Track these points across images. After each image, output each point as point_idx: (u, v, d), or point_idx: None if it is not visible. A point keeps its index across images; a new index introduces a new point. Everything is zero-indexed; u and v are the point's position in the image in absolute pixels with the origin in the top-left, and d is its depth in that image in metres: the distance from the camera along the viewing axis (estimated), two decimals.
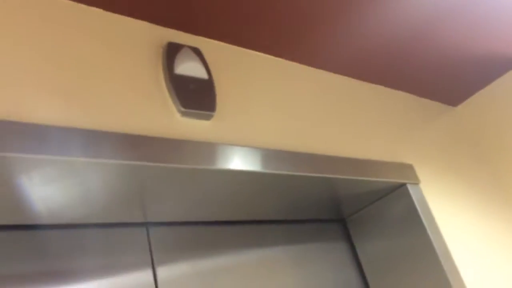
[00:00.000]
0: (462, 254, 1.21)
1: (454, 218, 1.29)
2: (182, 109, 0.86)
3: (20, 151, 0.63)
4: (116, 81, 0.82)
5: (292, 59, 1.20)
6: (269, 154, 0.94)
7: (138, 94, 0.84)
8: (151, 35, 0.93)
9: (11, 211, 0.76)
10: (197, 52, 0.96)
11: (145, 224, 0.96)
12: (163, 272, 0.93)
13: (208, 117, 0.90)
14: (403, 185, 1.21)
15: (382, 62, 1.34)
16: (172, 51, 0.92)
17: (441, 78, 1.52)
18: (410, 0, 1.11)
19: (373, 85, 1.43)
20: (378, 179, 1.13)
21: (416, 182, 1.23)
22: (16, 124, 0.65)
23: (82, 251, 0.86)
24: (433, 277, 1.13)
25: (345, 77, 1.35)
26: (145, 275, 0.90)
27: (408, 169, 1.25)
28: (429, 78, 1.50)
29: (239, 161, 0.88)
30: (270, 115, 1.04)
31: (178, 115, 0.87)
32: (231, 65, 1.04)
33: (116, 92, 0.81)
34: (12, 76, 0.70)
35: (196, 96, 0.90)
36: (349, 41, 1.20)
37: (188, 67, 0.91)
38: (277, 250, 1.16)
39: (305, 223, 1.28)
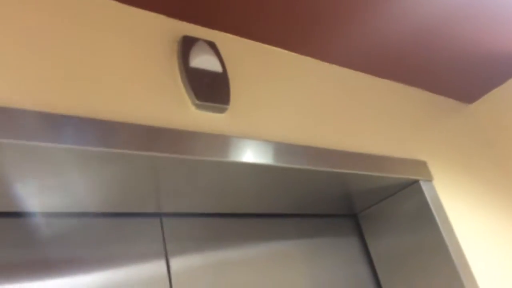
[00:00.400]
0: (474, 251, 1.20)
1: (466, 215, 1.28)
2: (197, 101, 0.87)
3: (36, 140, 0.64)
4: (132, 73, 0.83)
5: (307, 53, 1.20)
6: (282, 148, 0.95)
7: (154, 87, 0.84)
8: (166, 28, 0.94)
9: (36, 198, 0.77)
10: (212, 46, 0.97)
11: (159, 215, 0.97)
12: (176, 262, 0.94)
13: (222, 110, 0.91)
14: (416, 181, 1.21)
15: (396, 58, 1.33)
16: (187, 45, 0.93)
17: (456, 75, 1.51)
18: None
19: (388, 81, 1.42)
20: (391, 175, 1.13)
21: (429, 179, 1.23)
22: (32, 113, 0.66)
23: (97, 241, 0.87)
24: (445, 274, 1.12)
25: (360, 73, 1.34)
26: (159, 266, 0.91)
27: (421, 165, 1.24)
28: (444, 75, 1.49)
29: (252, 154, 0.89)
30: (284, 109, 1.04)
31: (192, 108, 0.88)
32: (245, 58, 1.05)
33: (132, 84, 0.82)
34: (31, 66, 0.71)
35: (211, 89, 0.90)
36: (364, 37, 1.20)
37: (203, 61, 0.92)
38: (289, 244, 1.16)
39: (317, 218, 1.28)
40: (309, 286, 1.13)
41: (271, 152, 0.92)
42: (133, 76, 0.83)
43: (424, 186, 1.20)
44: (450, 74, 1.49)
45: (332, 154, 1.04)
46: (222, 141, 0.86)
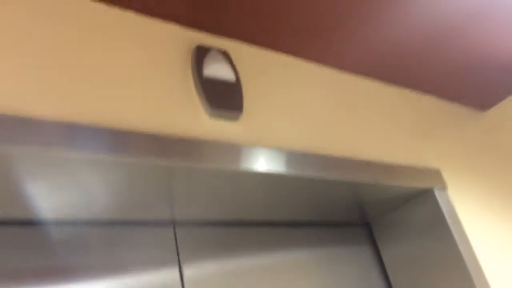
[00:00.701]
0: (489, 260, 1.19)
1: (481, 224, 1.26)
2: (211, 110, 0.88)
3: (51, 148, 0.65)
4: (147, 82, 0.84)
5: (320, 62, 1.21)
6: (294, 156, 0.95)
7: (168, 96, 0.85)
8: (180, 38, 0.95)
9: (51, 206, 0.78)
10: (225, 55, 0.98)
11: (172, 223, 0.98)
12: (189, 270, 0.94)
13: (235, 119, 0.92)
14: (430, 190, 1.20)
15: (409, 65, 1.33)
16: (201, 54, 0.94)
17: (471, 82, 1.50)
18: (439, 1, 1.10)
19: (401, 89, 1.42)
20: (404, 184, 1.12)
21: (444, 187, 1.22)
22: (48, 122, 0.67)
23: (110, 248, 0.88)
24: (459, 284, 1.11)
25: (372, 80, 1.34)
26: (172, 273, 0.92)
27: (435, 174, 1.23)
28: (458, 82, 1.48)
29: (265, 162, 0.89)
30: (296, 117, 1.04)
31: (206, 116, 0.88)
32: (258, 67, 1.06)
33: (147, 93, 0.83)
34: (47, 76, 0.73)
35: (224, 98, 0.91)
36: (377, 44, 1.20)
37: (217, 70, 0.93)
38: (302, 253, 1.16)
39: (330, 226, 1.27)
40: None
41: (283, 160, 0.92)
42: (148, 85, 0.84)
43: (438, 194, 1.19)
44: (464, 81, 1.48)
45: (345, 162, 1.04)
46: (235, 150, 0.86)
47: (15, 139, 0.63)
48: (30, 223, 0.82)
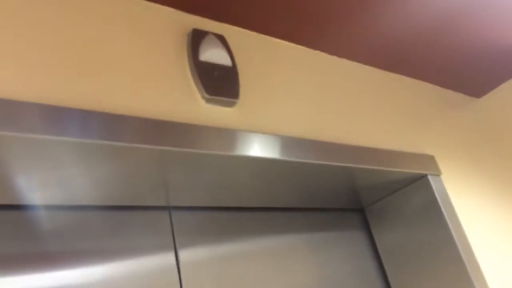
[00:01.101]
0: (482, 246, 1.20)
1: (475, 210, 1.28)
2: (206, 95, 0.87)
3: (42, 133, 0.64)
4: (141, 66, 0.83)
5: (316, 47, 1.20)
6: (290, 142, 0.95)
7: (163, 80, 0.85)
8: (176, 21, 0.94)
9: (45, 192, 0.78)
10: (222, 39, 0.97)
11: (168, 208, 0.98)
12: (185, 255, 0.95)
13: (231, 104, 0.91)
14: (424, 176, 1.20)
15: (405, 52, 1.32)
16: (197, 38, 0.93)
17: (465, 69, 1.50)
18: None
19: (396, 75, 1.41)
20: (399, 170, 1.13)
21: (438, 174, 1.23)
22: (39, 106, 0.66)
23: (106, 234, 0.88)
24: (453, 269, 1.12)
25: (368, 67, 1.34)
26: (168, 258, 0.92)
27: (429, 160, 1.24)
28: (452, 69, 1.48)
29: (260, 148, 0.89)
30: (292, 103, 1.04)
31: (202, 102, 0.88)
32: (255, 52, 1.05)
33: (141, 77, 0.82)
34: (37, 59, 0.71)
35: (220, 83, 0.91)
36: (373, 31, 1.19)
37: (213, 54, 0.92)
38: (296, 238, 1.17)
39: (324, 212, 1.28)
40: (315, 279, 1.13)
41: (279, 146, 0.92)
42: (142, 69, 0.83)
43: (432, 180, 1.19)
44: (459, 68, 1.48)
45: (340, 148, 1.04)
46: (231, 135, 0.86)
47: (5, 124, 0.62)
48: (24, 209, 0.82)
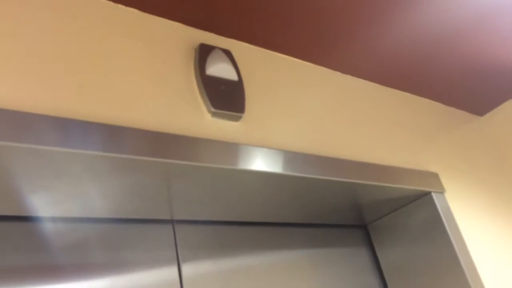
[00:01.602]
0: (486, 264, 1.20)
1: (478, 228, 1.27)
2: (213, 109, 0.87)
3: (48, 144, 0.64)
4: (149, 79, 0.84)
5: (321, 64, 1.21)
6: (294, 157, 0.95)
7: (170, 93, 0.85)
8: (184, 36, 0.95)
9: (50, 203, 0.78)
10: (228, 54, 0.98)
11: (171, 222, 0.98)
12: (188, 269, 0.94)
13: (237, 119, 0.92)
14: (428, 193, 1.20)
15: (409, 69, 1.33)
16: (204, 53, 0.93)
17: (469, 87, 1.51)
18: (438, 8, 1.11)
19: (400, 92, 1.42)
20: (402, 186, 1.13)
21: (441, 191, 1.23)
22: (43, 117, 0.66)
23: (109, 247, 0.88)
24: (456, 287, 1.11)
25: (373, 83, 1.35)
26: (171, 272, 0.92)
27: (433, 177, 1.24)
28: (455, 87, 1.49)
29: (265, 162, 0.89)
30: (297, 118, 1.05)
31: (208, 115, 0.88)
32: (260, 67, 1.06)
33: (149, 90, 0.82)
34: (47, 71, 0.72)
35: (226, 97, 0.91)
36: (378, 48, 1.20)
37: (219, 69, 0.93)
38: (299, 253, 1.16)
39: (327, 228, 1.28)
40: None
41: (283, 160, 0.92)
42: (150, 83, 0.84)
43: (436, 198, 1.19)
44: (462, 86, 1.49)
45: (344, 164, 1.04)
46: (236, 149, 0.86)
47: (13, 134, 0.62)
48: (28, 220, 0.82)
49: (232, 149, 0.86)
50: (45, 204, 0.79)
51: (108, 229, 0.89)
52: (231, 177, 0.87)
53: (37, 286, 0.77)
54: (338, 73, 1.26)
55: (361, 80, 1.32)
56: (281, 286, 1.07)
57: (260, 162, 0.88)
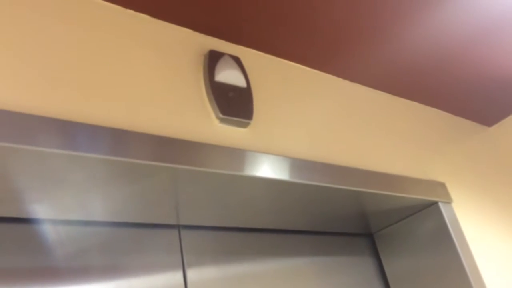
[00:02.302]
0: (492, 275, 1.19)
1: (485, 238, 1.26)
2: (221, 115, 0.88)
3: (48, 147, 0.64)
4: (158, 85, 0.84)
5: (329, 71, 1.21)
6: (301, 164, 0.95)
7: (179, 99, 0.86)
8: (193, 43, 0.95)
9: (56, 207, 0.78)
10: (237, 61, 0.98)
11: (177, 227, 0.98)
12: (193, 274, 0.94)
13: (245, 125, 0.92)
14: (435, 203, 1.20)
15: (417, 79, 1.33)
16: (213, 59, 0.94)
17: (476, 97, 1.50)
18: (448, 18, 1.11)
19: (408, 101, 1.42)
20: (409, 196, 1.12)
21: (449, 201, 1.22)
22: (47, 120, 0.67)
23: (114, 251, 0.88)
24: None
25: (380, 92, 1.35)
26: (176, 277, 0.92)
27: (440, 187, 1.23)
28: (464, 97, 1.48)
29: (272, 169, 0.89)
30: (305, 125, 1.05)
31: (216, 122, 0.89)
32: (268, 74, 1.06)
33: (157, 95, 0.83)
34: (58, 75, 0.73)
35: (235, 103, 0.91)
36: (386, 56, 1.20)
37: (228, 75, 0.93)
38: (304, 261, 1.16)
39: (333, 236, 1.27)
40: None
41: (290, 168, 0.92)
42: (159, 88, 0.84)
43: (443, 208, 1.19)
44: (470, 96, 1.49)
45: (351, 172, 1.04)
46: (243, 155, 0.86)
47: (18, 137, 0.62)
48: (33, 223, 0.82)
49: (239, 155, 0.86)
50: (52, 208, 0.79)
51: (114, 233, 0.89)
52: (238, 184, 0.87)
53: None
54: (347, 82, 1.26)
55: (369, 88, 1.32)
56: None
57: (267, 169, 0.88)
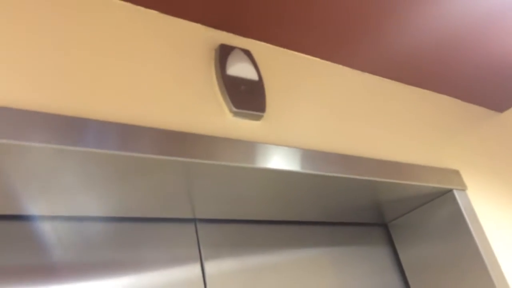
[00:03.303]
0: (509, 261, 1.18)
1: (501, 225, 1.26)
2: (234, 109, 0.88)
3: (67, 144, 0.65)
4: (170, 80, 0.85)
5: (339, 61, 1.21)
6: (315, 155, 0.95)
7: (191, 93, 0.86)
8: (204, 37, 0.96)
9: (77, 203, 0.79)
10: (248, 54, 0.98)
11: (193, 220, 0.99)
12: (211, 267, 0.95)
13: (258, 118, 0.92)
14: (449, 190, 1.19)
15: (428, 66, 1.32)
16: (224, 53, 0.94)
17: (488, 83, 1.49)
18: (459, 3, 1.10)
19: (419, 89, 1.41)
20: (424, 184, 1.12)
21: (463, 188, 1.21)
22: (61, 117, 0.67)
23: (132, 245, 0.89)
24: (479, 284, 1.10)
25: (392, 81, 1.34)
26: (194, 270, 0.93)
27: (454, 174, 1.23)
28: (475, 84, 1.47)
29: (286, 161, 0.89)
30: (317, 117, 1.05)
31: (229, 115, 0.89)
32: (280, 67, 1.06)
33: (170, 90, 0.83)
34: (69, 71, 0.74)
35: (247, 97, 0.92)
36: (396, 46, 1.20)
37: (240, 69, 0.93)
38: (320, 252, 1.16)
39: (348, 226, 1.28)
40: None
41: (304, 159, 0.93)
42: (171, 83, 0.85)
43: (458, 195, 1.18)
44: (482, 82, 1.48)
45: (365, 162, 1.04)
46: (257, 148, 0.87)
47: (26, 133, 0.63)
48: (47, 219, 0.83)
49: (253, 148, 0.86)
50: (68, 205, 0.80)
51: (131, 228, 0.91)
52: (252, 176, 0.87)
53: (57, 285, 0.78)
54: (357, 71, 1.26)
55: (381, 78, 1.31)
56: (303, 284, 1.07)
57: (281, 161, 0.88)
